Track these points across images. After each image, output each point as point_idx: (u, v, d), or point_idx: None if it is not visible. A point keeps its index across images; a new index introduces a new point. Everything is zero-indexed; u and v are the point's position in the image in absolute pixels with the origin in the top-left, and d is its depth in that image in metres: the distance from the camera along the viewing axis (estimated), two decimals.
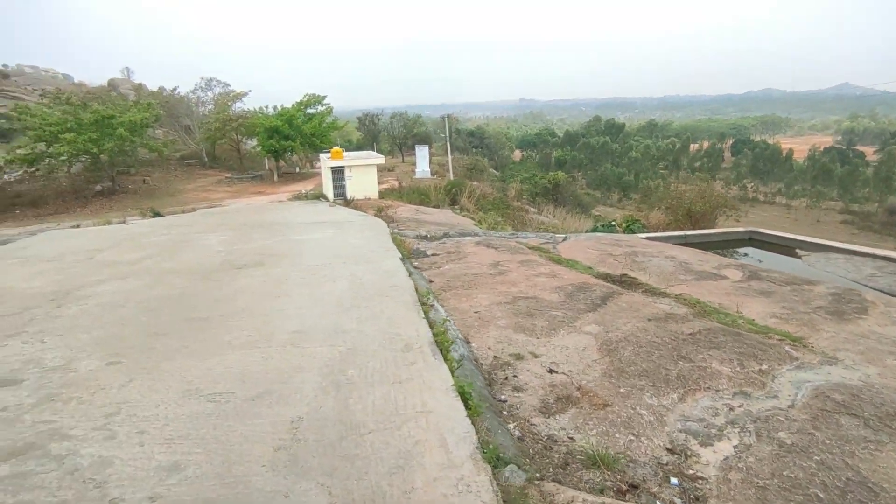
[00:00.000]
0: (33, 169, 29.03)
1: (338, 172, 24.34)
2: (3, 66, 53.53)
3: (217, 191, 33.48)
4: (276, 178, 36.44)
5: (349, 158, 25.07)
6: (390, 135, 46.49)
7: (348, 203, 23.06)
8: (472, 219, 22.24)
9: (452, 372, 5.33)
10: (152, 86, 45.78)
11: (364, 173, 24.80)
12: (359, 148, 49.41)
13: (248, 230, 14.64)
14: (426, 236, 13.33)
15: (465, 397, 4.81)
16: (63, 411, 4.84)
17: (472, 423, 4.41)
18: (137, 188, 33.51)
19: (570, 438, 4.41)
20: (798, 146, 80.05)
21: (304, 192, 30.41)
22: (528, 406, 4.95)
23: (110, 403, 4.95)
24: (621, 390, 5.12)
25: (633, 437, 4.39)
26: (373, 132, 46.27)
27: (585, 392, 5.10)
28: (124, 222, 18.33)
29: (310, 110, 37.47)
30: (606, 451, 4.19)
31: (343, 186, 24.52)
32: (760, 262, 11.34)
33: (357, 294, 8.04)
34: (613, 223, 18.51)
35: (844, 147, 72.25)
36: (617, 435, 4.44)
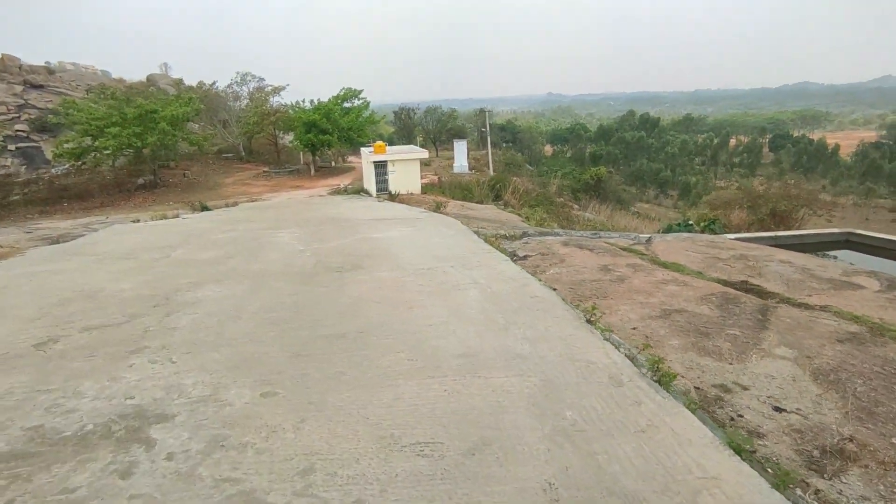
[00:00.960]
0: (80, 163, 29.46)
1: (381, 167, 24.11)
2: (46, 63, 54.70)
3: (256, 185, 33.58)
4: (312, 172, 36.41)
5: (392, 153, 24.82)
6: (424, 129, 46.17)
7: (393, 198, 22.81)
8: (519, 215, 21.79)
9: (692, 412, 4.58)
10: (189, 81, 46.24)
11: (407, 168, 24.53)
12: (390, 143, 49.29)
13: (315, 227, 14.27)
14: (505, 235, 12.80)
15: (741, 455, 4.01)
16: (242, 464, 4.13)
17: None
18: (178, 182, 33.82)
19: None
20: (839, 141, 77.26)
21: (342, 186, 30.30)
22: (784, 458, 4.16)
23: (296, 455, 4.23)
24: (894, 441, 4.31)
25: None
26: (408, 126, 46.01)
27: (863, 445, 4.26)
28: (178, 216, 18.29)
29: (346, 104, 37.30)
30: None
31: (386, 181, 24.30)
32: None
33: (500, 306, 7.31)
34: (691, 223, 17.82)
35: (892, 142, 69.24)
36: None
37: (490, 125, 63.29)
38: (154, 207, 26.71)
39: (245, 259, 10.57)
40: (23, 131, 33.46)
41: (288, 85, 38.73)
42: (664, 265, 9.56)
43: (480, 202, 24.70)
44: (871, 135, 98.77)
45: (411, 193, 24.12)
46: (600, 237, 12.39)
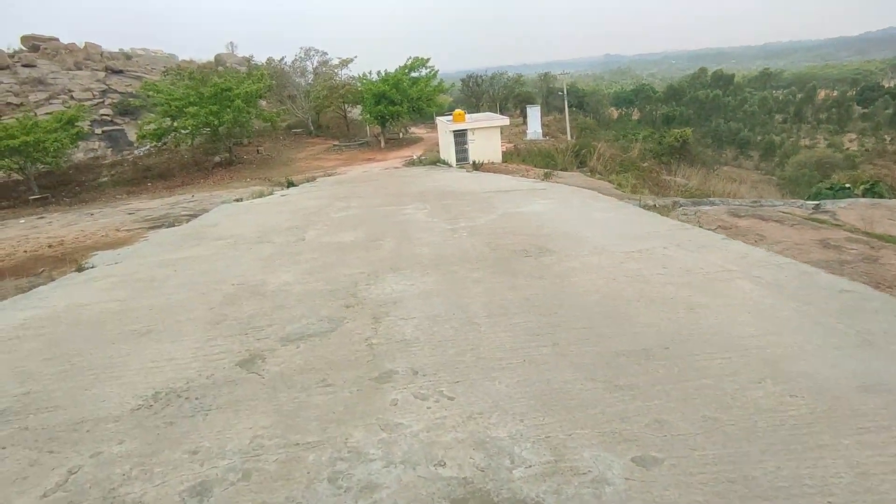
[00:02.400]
0: (161, 143, 30.16)
1: (460, 136, 23.37)
2: (120, 49, 56.62)
3: (328, 159, 33.51)
4: (382, 144, 36.00)
5: (471, 121, 23.97)
6: (490, 96, 44.94)
7: (476, 167, 22.10)
8: (610, 182, 20.65)
9: None
10: (255, 58, 46.51)
11: (487, 136, 23.67)
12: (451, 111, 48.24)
13: (437, 202, 13.28)
14: (655, 206, 11.29)
15: None
16: None
17: None
18: (252, 158, 34.18)
19: None
20: None
21: (416, 157, 29.74)
22: None
23: None
24: None
25: None
26: (476, 94, 44.91)
27: None
28: (273, 193, 18.20)
29: (413, 74, 36.51)
30: None
31: (466, 150, 23.58)
32: None
33: (801, 307, 5.65)
34: (847, 186, 16.22)
35: None
36: None
37: (552, 90, 61.10)
38: (233, 185, 27.05)
39: (398, 241, 9.49)
40: (107, 115, 34.62)
41: (356, 57, 38.24)
42: (884, 239, 7.74)
43: (564, 169, 23.57)
44: None
45: (493, 163, 23.30)
46: (761, 205, 11.05)
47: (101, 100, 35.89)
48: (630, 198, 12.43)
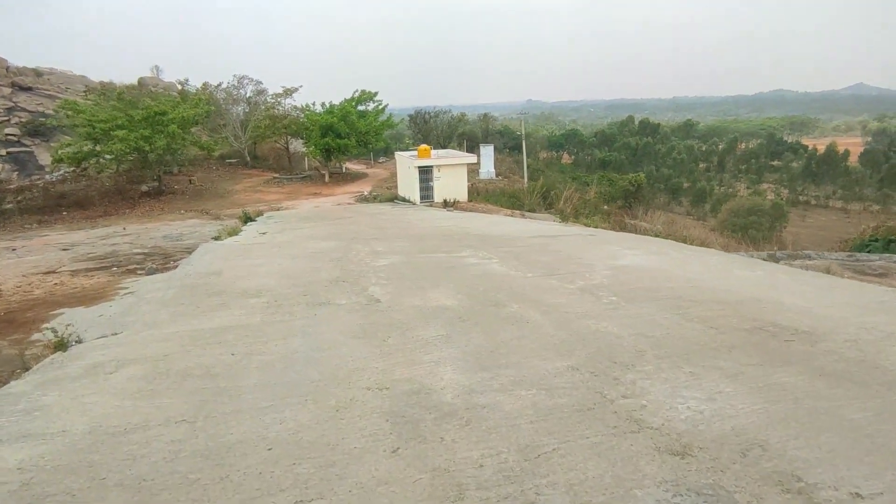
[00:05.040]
0: (82, 168, 27.13)
1: (425, 172, 22.57)
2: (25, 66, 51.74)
3: (269, 192, 31.59)
4: (327, 178, 34.50)
5: (437, 157, 23.21)
6: (437, 133, 44.62)
7: (448, 205, 21.29)
8: (586, 225, 20.42)
9: None
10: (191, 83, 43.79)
11: (454, 174, 23.04)
12: (404, 148, 47.79)
13: (497, 250, 11.12)
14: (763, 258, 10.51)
15: None
16: None
17: None
18: (184, 188, 31.60)
19: None
20: (824, 147, 77.51)
21: (366, 193, 28.52)
22: None
23: None
24: None
25: None
26: (424, 130, 44.38)
27: None
28: (241, 230, 16.13)
29: (360, 107, 35.55)
30: None
31: (430, 188, 22.76)
32: None
33: None
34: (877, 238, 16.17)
35: (886, 148, 69.73)
36: None
37: (490, 131, 62.09)
38: (165, 217, 24.66)
39: (536, 310, 6.79)
40: (13, 135, 30.89)
41: (301, 86, 36.70)
42: None
43: (532, 210, 23.21)
44: (855, 140, 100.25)
45: (457, 201, 22.56)
46: (858, 259, 10.43)
47: (6, 118, 32.02)
48: (726, 248, 11.48)
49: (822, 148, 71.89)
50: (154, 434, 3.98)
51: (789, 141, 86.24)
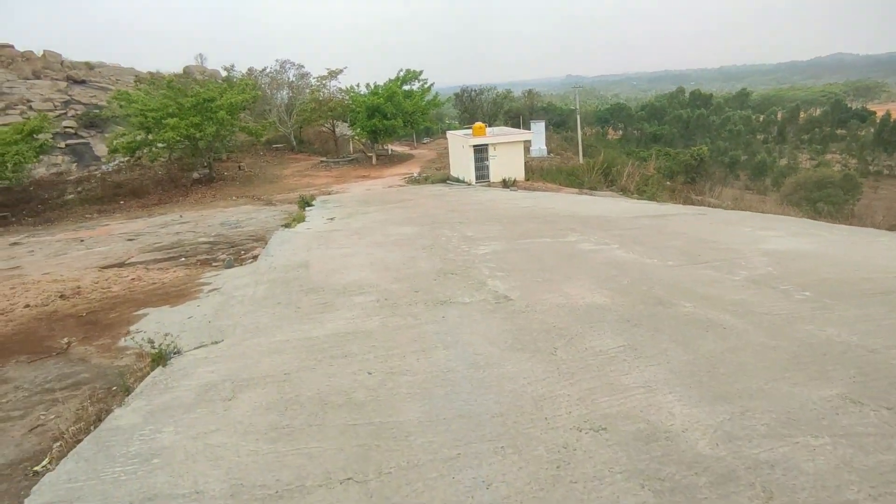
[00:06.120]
0: (136, 157, 27.08)
1: (480, 151, 21.50)
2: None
3: (318, 176, 31.07)
4: (374, 161, 33.71)
5: (492, 135, 22.09)
6: (483, 111, 43.26)
7: (508, 185, 20.24)
8: (656, 202, 19.12)
9: None
10: (223, 72, 43.63)
11: (510, 152, 21.89)
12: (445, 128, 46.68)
13: (600, 232, 10.23)
14: None
15: None
16: None
17: None
18: (234, 175, 31.34)
19: None
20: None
21: (416, 175, 27.67)
22: None
23: None
24: None
25: None
26: (470, 109, 43.12)
27: None
28: (304, 218, 15.43)
29: (405, 87, 34.54)
30: None
31: (486, 167, 21.70)
32: None
33: None
34: None
35: None
36: None
37: (535, 107, 60.18)
38: (217, 203, 24.40)
39: (661, 309, 5.86)
40: (70, 128, 31.18)
41: (346, 67, 35.88)
42: None
43: (594, 188, 21.92)
44: None
45: (515, 180, 21.48)
46: None
47: (63, 111, 32.37)
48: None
49: (894, 114, 67.12)
50: (317, 501, 3.06)
51: (853, 108, 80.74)
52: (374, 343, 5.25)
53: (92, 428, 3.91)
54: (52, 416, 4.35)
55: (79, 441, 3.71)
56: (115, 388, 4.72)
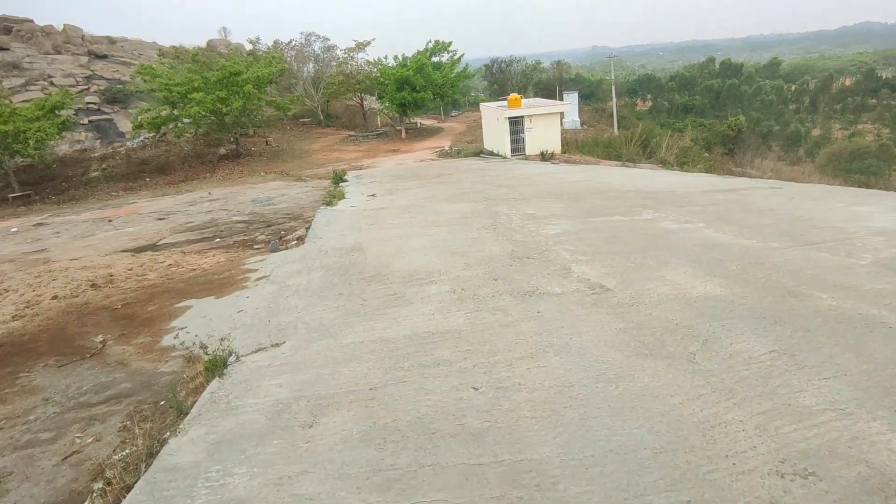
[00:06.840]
0: (161, 133, 26.45)
1: (515, 123, 20.50)
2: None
3: (347, 150, 30.22)
4: (403, 135, 32.70)
5: (527, 107, 21.00)
6: (513, 83, 41.79)
7: (546, 158, 19.21)
8: (713, 174, 18.01)
9: None
10: (247, 45, 42.68)
11: (546, 124, 20.84)
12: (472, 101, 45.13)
13: (675, 209, 9.31)
14: None
15: None
16: None
17: None
18: (261, 150, 30.65)
19: None
20: None
21: (447, 148, 26.65)
22: None
23: None
24: None
25: None
26: (500, 80, 41.65)
27: None
28: (345, 194, 14.58)
29: (434, 59, 33.32)
30: None
31: (522, 140, 20.70)
32: None
33: None
34: None
35: None
36: None
37: (564, 79, 58.24)
38: (246, 179, 23.75)
39: (795, 302, 4.97)
40: (93, 103, 30.67)
41: (374, 39, 34.67)
42: None
43: (632, 160, 20.76)
44: None
45: (553, 153, 20.38)
46: None
47: (85, 87, 31.83)
48: None
49: None
50: None
51: (884, 77, 77.12)
52: (468, 347, 4.36)
53: (143, 467, 3.07)
54: (90, 440, 3.57)
55: (127, 486, 2.88)
56: (162, 402, 3.92)
